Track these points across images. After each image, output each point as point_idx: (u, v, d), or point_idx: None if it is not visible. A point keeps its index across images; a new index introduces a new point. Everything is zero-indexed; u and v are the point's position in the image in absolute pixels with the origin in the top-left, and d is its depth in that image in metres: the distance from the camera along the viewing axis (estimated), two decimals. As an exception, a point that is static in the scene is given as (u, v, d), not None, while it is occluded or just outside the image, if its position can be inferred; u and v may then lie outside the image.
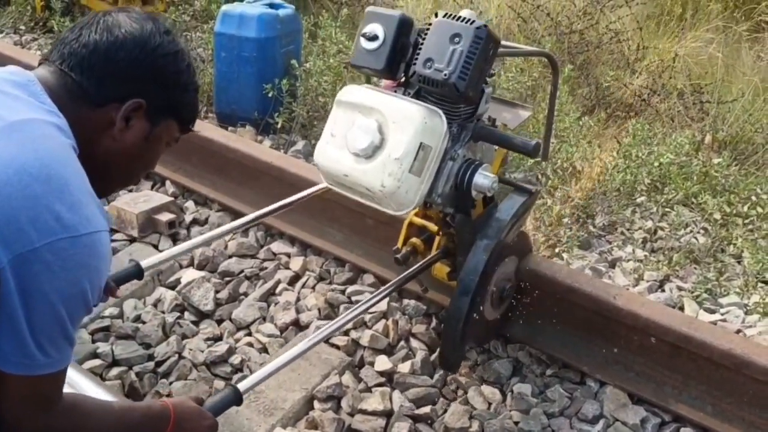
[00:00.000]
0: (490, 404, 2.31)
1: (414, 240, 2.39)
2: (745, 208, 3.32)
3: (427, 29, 2.02)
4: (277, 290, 2.72)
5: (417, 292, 2.59)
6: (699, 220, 3.31)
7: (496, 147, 2.30)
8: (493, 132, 2.19)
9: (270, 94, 3.72)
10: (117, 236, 2.96)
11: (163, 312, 2.60)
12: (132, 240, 2.96)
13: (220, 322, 2.60)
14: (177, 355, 2.42)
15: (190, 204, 3.21)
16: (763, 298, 2.73)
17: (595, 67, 4.59)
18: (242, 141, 3.29)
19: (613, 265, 2.99)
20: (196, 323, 2.58)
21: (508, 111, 2.47)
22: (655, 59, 4.59)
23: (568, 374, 2.42)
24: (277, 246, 2.95)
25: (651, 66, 4.52)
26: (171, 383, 2.33)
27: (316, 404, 2.28)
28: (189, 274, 2.74)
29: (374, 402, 2.26)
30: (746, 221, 3.27)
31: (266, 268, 2.83)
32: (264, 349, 2.47)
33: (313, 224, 2.93)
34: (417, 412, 2.25)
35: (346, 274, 2.80)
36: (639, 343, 2.32)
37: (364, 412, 2.25)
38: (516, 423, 2.24)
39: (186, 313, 2.62)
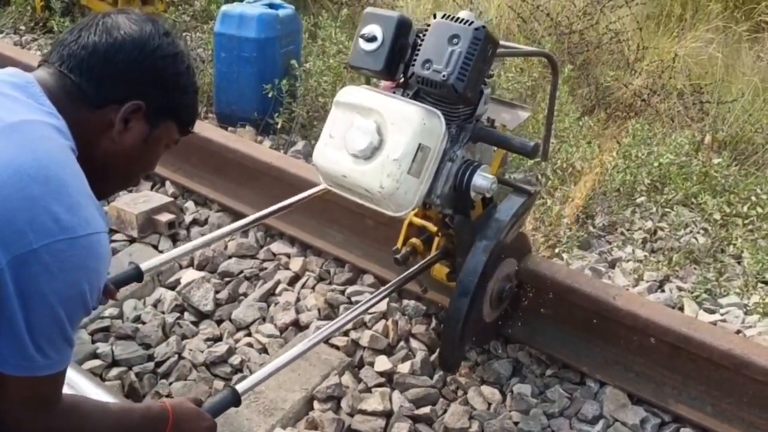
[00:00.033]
0: (489, 404, 2.31)
1: (413, 240, 2.39)
2: (745, 209, 3.32)
3: (426, 30, 2.02)
4: (277, 291, 2.72)
5: (417, 293, 2.59)
6: (699, 220, 3.31)
7: (495, 148, 2.30)
8: (492, 133, 2.19)
9: (270, 95, 3.72)
10: (117, 237, 2.96)
11: (163, 312, 2.60)
12: (132, 240, 2.96)
13: (219, 322, 2.60)
14: (177, 356, 2.42)
15: (189, 204, 3.21)
16: (762, 298, 2.73)
17: (595, 67, 4.59)
18: (242, 141, 3.29)
19: (612, 265, 2.99)
20: (195, 323, 2.58)
21: (507, 112, 2.47)
22: (655, 59, 4.59)
23: (568, 374, 2.42)
24: (277, 246, 2.95)
25: (651, 66, 4.52)
26: (171, 384, 2.33)
27: (315, 404, 2.28)
28: (189, 275, 2.74)
29: (374, 402, 2.26)
30: (746, 221, 3.27)
31: (266, 268, 2.83)
32: (264, 350, 2.47)
33: (313, 225, 2.93)
34: (417, 412, 2.25)
35: (346, 274, 2.80)
36: (638, 344, 2.33)
37: (363, 412, 2.25)
38: (516, 423, 2.24)
39: (186, 314, 2.62)
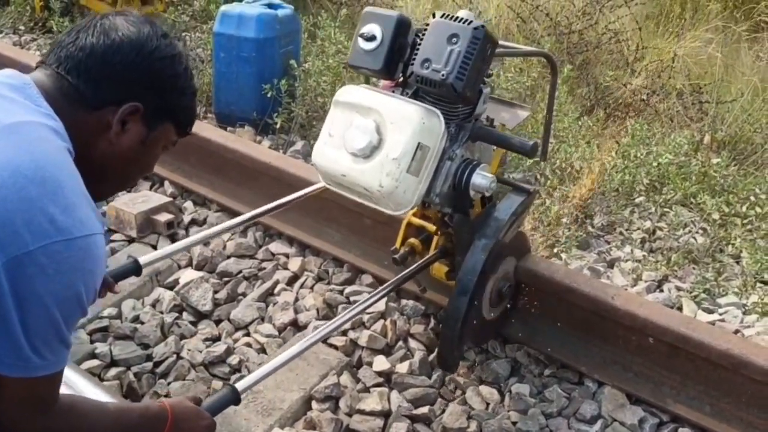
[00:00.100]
0: (488, 404, 2.32)
1: (412, 240, 2.39)
2: (744, 208, 3.32)
3: (425, 30, 2.02)
4: (276, 290, 2.72)
5: (415, 293, 2.59)
6: (698, 220, 3.31)
7: (495, 147, 2.30)
8: (491, 132, 2.19)
9: (269, 95, 3.72)
10: (115, 237, 2.96)
11: (162, 312, 2.60)
12: (131, 240, 2.96)
13: (218, 322, 2.60)
14: (175, 356, 2.42)
15: (188, 204, 3.21)
16: (761, 298, 2.74)
17: (595, 67, 4.59)
18: (241, 141, 3.29)
19: (611, 265, 2.99)
20: (194, 323, 2.58)
21: (506, 111, 2.47)
22: (654, 59, 4.58)
23: (567, 374, 2.42)
24: (276, 246, 2.95)
25: (650, 66, 4.52)
26: (169, 383, 2.33)
27: (314, 404, 2.28)
28: (187, 275, 2.74)
29: (372, 402, 2.26)
30: (745, 221, 3.27)
31: (265, 268, 2.83)
32: (262, 350, 2.47)
33: (312, 224, 2.93)
34: (415, 412, 2.25)
35: (345, 274, 2.80)
36: (637, 344, 2.33)
37: (362, 412, 2.25)
38: (514, 423, 2.24)
39: (184, 314, 2.62)
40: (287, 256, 2.91)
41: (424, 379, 2.37)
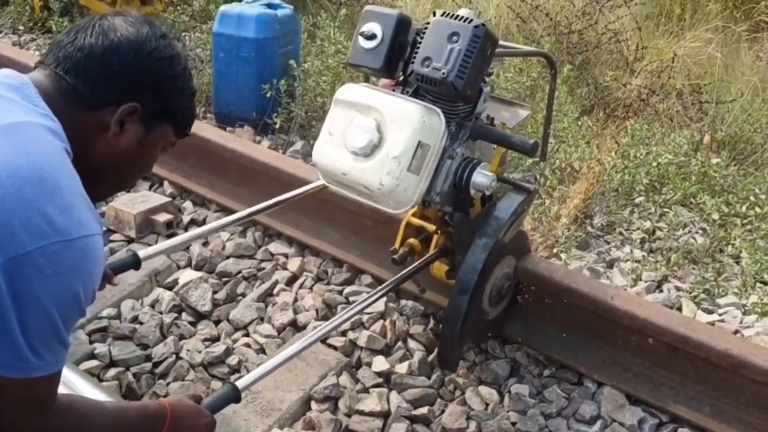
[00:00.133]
0: (487, 405, 2.31)
1: (411, 240, 2.39)
2: (744, 209, 3.32)
3: (425, 28, 2.02)
4: (275, 291, 2.72)
5: (414, 293, 2.59)
6: (697, 220, 3.31)
7: (495, 146, 2.30)
8: (492, 130, 2.19)
9: (268, 95, 3.72)
10: (115, 237, 2.96)
11: (161, 312, 2.60)
12: (130, 240, 2.96)
13: (217, 322, 2.60)
14: (174, 356, 2.42)
15: (187, 204, 3.21)
16: (761, 298, 2.73)
17: (594, 67, 4.58)
18: (240, 141, 3.29)
19: (611, 265, 2.99)
20: (193, 324, 2.58)
21: (506, 110, 2.48)
22: (654, 59, 4.58)
23: (566, 375, 2.42)
24: (275, 246, 2.95)
25: (650, 66, 4.52)
26: (168, 384, 2.33)
27: (313, 405, 2.28)
28: (186, 275, 2.74)
29: (371, 403, 2.26)
30: (745, 221, 3.27)
31: (264, 268, 2.83)
32: (261, 350, 2.47)
33: (311, 225, 2.93)
34: (414, 412, 2.25)
35: (344, 274, 2.80)
36: (636, 344, 2.32)
37: (361, 412, 2.25)
38: (513, 424, 2.24)
39: (183, 314, 2.62)
40: (286, 256, 2.91)
41: (424, 379, 2.37)
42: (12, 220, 1.04)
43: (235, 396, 1.65)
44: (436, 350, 2.43)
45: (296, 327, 2.56)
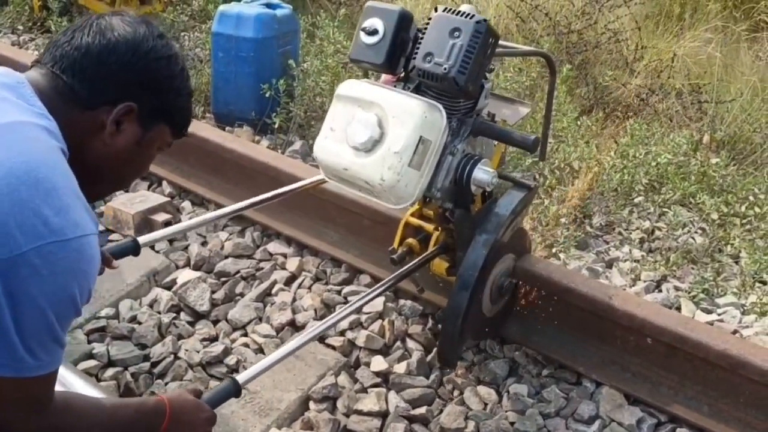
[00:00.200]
0: (486, 405, 2.31)
1: (410, 240, 2.39)
2: (743, 208, 3.32)
3: (427, 24, 2.02)
4: (274, 291, 2.72)
5: (413, 293, 2.59)
6: (696, 220, 3.31)
7: (496, 142, 2.30)
8: (493, 127, 2.19)
9: (267, 94, 3.71)
10: (113, 237, 2.96)
11: (159, 312, 2.60)
12: (128, 240, 2.95)
13: (215, 322, 2.59)
14: (173, 356, 2.42)
15: (186, 204, 3.21)
16: (760, 298, 2.73)
17: (594, 67, 4.58)
18: (239, 141, 3.29)
19: (610, 265, 2.99)
20: (191, 324, 2.58)
21: (507, 107, 2.48)
22: (653, 59, 4.58)
23: (564, 375, 2.42)
24: (274, 246, 2.95)
25: (649, 66, 4.52)
26: (166, 384, 2.32)
27: (311, 405, 2.28)
28: (185, 275, 2.74)
29: (370, 402, 2.26)
30: (744, 221, 3.27)
31: (262, 268, 2.83)
32: (260, 350, 2.47)
33: (310, 224, 2.93)
34: (413, 412, 2.25)
35: (343, 274, 2.80)
36: (635, 344, 2.32)
37: (359, 412, 2.25)
38: (512, 423, 2.24)
39: (182, 314, 2.61)
40: (285, 256, 2.90)
41: (422, 379, 2.37)
42: (7, 220, 1.04)
43: (235, 390, 1.64)
44: (434, 350, 2.43)
45: (295, 327, 2.56)
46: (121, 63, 1.22)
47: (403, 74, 2.14)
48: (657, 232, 3.25)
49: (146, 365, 2.38)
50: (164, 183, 3.31)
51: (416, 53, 2.01)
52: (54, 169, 1.11)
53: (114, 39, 1.22)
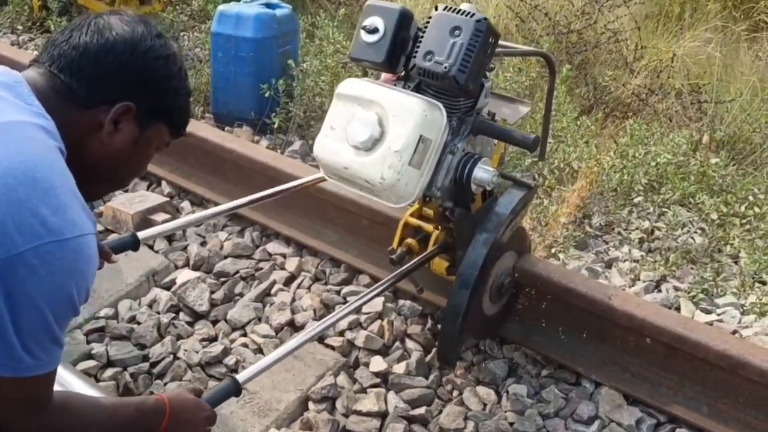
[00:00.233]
0: (485, 405, 2.31)
1: (409, 240, 2.39)
2: (743, 208, 3.32)
3: (427, 22, 2.02)
4: (273, 291, 2.72)
5: (412, 293, 2.59)
6: (696, 220, 3.31)
7: (496, 141, 2.30)
8: (493, 126, 2.19)
9: (267, 95, 3.71)
10: (112, 237, 2.95)
11: (158, 313, 2.59)
12: (128, 240, 2.95)
13: (215, 322, 2.59)
14: (172, 356, 2.42)
15: (185, 204, 3.21)
16: (759, 298, 2.73)
17: (593, 66, 4.58)
18: (238, 141, 3.29)
19: (609, 265, 2.99)
20: (191, 324, 2.57)
21: (507, 106, 2.48)
22: (653, 59, 4.58)
23: (564, 375, 2.42)
24: (273, 246, 2.95)
25: (649, 66, 4.52)
26: (166, 384, 2.32)
27: (310, 405, 2.27)
28: (184, 275, 2.74)
29: (369, 403, 2.26)
30: (743, 221, 3.27)
31: (262, 268, 2.82)
32: (259, 350, 2.47)
33: (309, 225, 2.93)
34: (412, 413, 2.25)
35: (342, 274, 2.80)
36: (634, 344, 2.32)
37: (358, 413, 2.24)
38: (511, 424, 2.23)
39: (181, 314, 2.61)
40: (284, 256, 2.90)
41: (421, 379, 2.37)
42: (5, 220, 1.04)
43: (235, 389, 1.64)
44: (434, 350, 2.43)
45: (294, 327, 2.56)
46: (119, 62, 1.21)
47: (403, 73, 2.14)
48: (656, 232, 3.25)
49: (145, 365, 2.38)
50: (163, 183, 3.31)
51: (416, 52, 2.01)
52: (52, 168, 1.11)
53: (112, 38, 1.22)
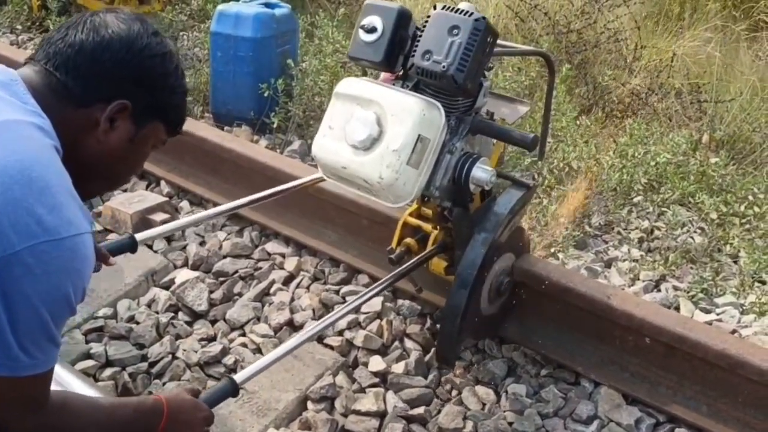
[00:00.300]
0: (484, 405, 2.31)
1: (408, 240, 2.39)
2: (742, 208, 3.32)
3: (426, 22, 2.02)
4: (272, 290, 2.71)
5: (411, 293, 2.59)
6: (696, 219, 3.31)
7: (495, 141, 2.30)
8: (492, 125, 2.19)
9: (266, 94, 3.71)
10: (111, 236, 2.95)
11: (157, 312, 2.59)
12: (126, 240, 2.94)
13: (214, 322, 2.59)
14: (170, 356, 2.41)
15: (184, 204, 3.21)
16: (759, 297, 2.73)
17: (593, 66, 4.58)
18: (237, 141, 3.29)
19: (609, 265, 2.98)
20: (189, 323, 2.57)
21: (506, 106, 2.47)
22: (653, 58, 4.58)
23: (563, 375, 2.41)
24: (272, 246, 2.94)
25: (649, 65, 4.51)
26: (164, 384, 2.32)
27: (309, 405, 2.27)
28: (183, 275, 2.73)
29: (368, 403, 2.25)
30: (743, 221, 3.27)
31: (261, 268, 2.82)
32: (258, 350, 2.46)
33: (308, 224, 2.92)
34: (411, 412, 2.24)
35: (341, 274, 2.79)
36: (633, 344, 2.32)
37: (357, 412, 2.24)
38: (510, 424, 2.23)
39: (180, 314, 2.61)
40: (283, 256, 2.90)
41: (420, 379, 2.36)
42: (0, 219, 1.04)
43: (233, 390, 1.64)
44: (433, 349, 2.42)
45: (293, 327, 2.55)
46: (115, 60, 1.21)
47: (401, 72, 2.14)
48: (656, 232, 3.24)
49: (144, 365, 2.38)
50: (162, 183, 3.31)
51: (415, 51, 2.01)
52: (47, 167, 1.11)
53: (108, 36, 1.21)
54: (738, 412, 2.17)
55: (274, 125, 3.74)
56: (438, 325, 2.49)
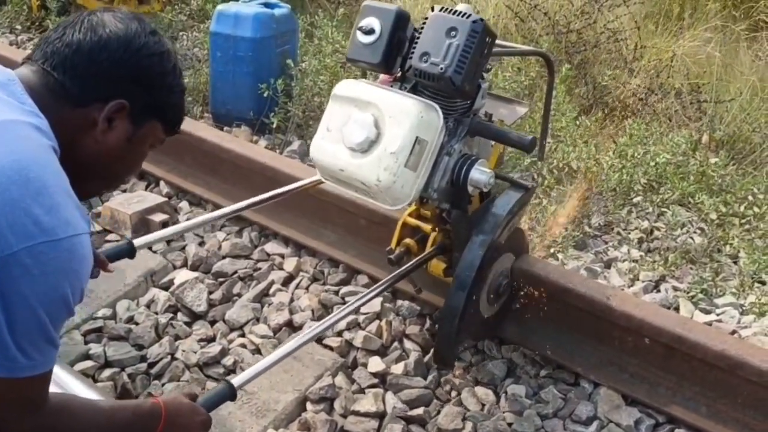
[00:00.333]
0: (483, 405, 2.30)
1: (407, 241, 2.38)
2: (742, 208, 3.31)
3: (424, 23, 2.01)
4: (271, 291, 2.71)
5: (411, 293, 2.58)
6: (695, 220, 3.30)
7: (493, 142, 2.30)
8: (490, 127, 2.18)
9: (265, 94, 3.71)
10: (110, 237, 2.95)
11: (156, 313, 2.59)
12: (126, 240, 2.94)
13: (213, 323, 2.59)
14: (170, 357, 2.41)
15: (184, 204, 3.20)
16: (759, 298, 2.73)
17: (593, 66, 4.57)
18: (236, 141, 3.28)
19: (608, 265, 2.98)
20: (189, 324, 2.57)
21: (504, 107, 2.47)
22: (653, 59, 4.57)
23: (562, 375, 2.41)
24: (271, 247, 2.94)
25: (649, 65, 4.51)
26: (163, 384, 2.32)
27: (308, 405, 2.27)
28: (182, 275, 2.73)
29: (367, 403, 2.25)
30: (743, 221, 3.26)
31: (260, 268, 2.82)
32: (257, 350, 2.46)
33: (307, 225, 2.92)
34: (410, 413, 2.24)
35: (340, 274, 2.79)
36: (633, 344, 2.31)
37: (356, 413, 2.24)
38: (509, 424, 2.23)
39: (179, 314, 2.61)
40: (282, 256, 2.90)
41: (420, 380, 2.36)
42: None
43: (230, 393, 1.64)
44: (432, 349, 2.42)
45: (292, 327, 2.55)
46: (112, 60, 1.21)
47: (399, 74, 2.13)
48: (656, 232, 3.24)
49: (143, 366, 2.37)
50: (162, 183, 3.31)
51: (413, 53, 2.00)
52: (45, 167, 1.10)
53: (105, 35, 1.21)
54: (737, 413, 2.17)
55: (274, 125, 3.74)
56: (437, 326, 2.48)
